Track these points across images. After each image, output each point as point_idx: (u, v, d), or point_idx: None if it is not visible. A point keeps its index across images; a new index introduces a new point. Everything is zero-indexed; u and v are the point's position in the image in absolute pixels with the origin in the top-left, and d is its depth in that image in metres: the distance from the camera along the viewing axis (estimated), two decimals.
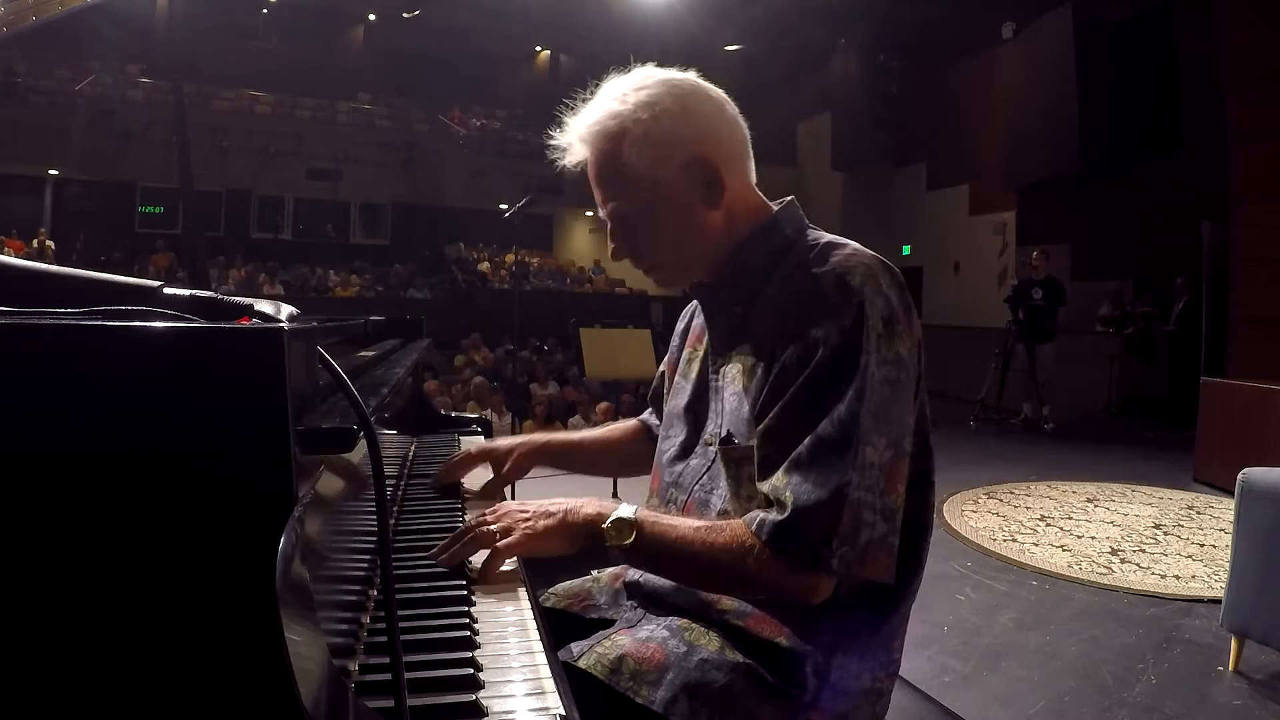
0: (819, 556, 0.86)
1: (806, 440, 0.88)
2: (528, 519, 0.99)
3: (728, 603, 0.98)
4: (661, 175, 0.99)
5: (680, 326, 1.25)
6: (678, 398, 1.15)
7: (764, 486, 0.91)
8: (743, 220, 1.04)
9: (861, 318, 0.89)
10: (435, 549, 0.99)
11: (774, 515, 0.88)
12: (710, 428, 1.06)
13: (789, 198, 1.09)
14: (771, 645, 0.94)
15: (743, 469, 0.98)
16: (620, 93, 1.01)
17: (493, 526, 0.99)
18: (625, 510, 0.96)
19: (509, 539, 0.97)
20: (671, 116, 0.99)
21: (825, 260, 0.96)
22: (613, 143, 0.99)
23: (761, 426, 0.93)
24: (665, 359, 1.28)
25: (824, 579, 0.88)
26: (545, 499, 1.03)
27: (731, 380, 1.02)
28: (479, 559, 0.98)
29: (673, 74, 1.03)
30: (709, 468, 1.05)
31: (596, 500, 1.00)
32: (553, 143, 1.05)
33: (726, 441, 1.00)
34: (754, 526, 0.90)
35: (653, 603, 1.05)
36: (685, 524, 0.96)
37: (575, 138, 1.03)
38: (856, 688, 0.96)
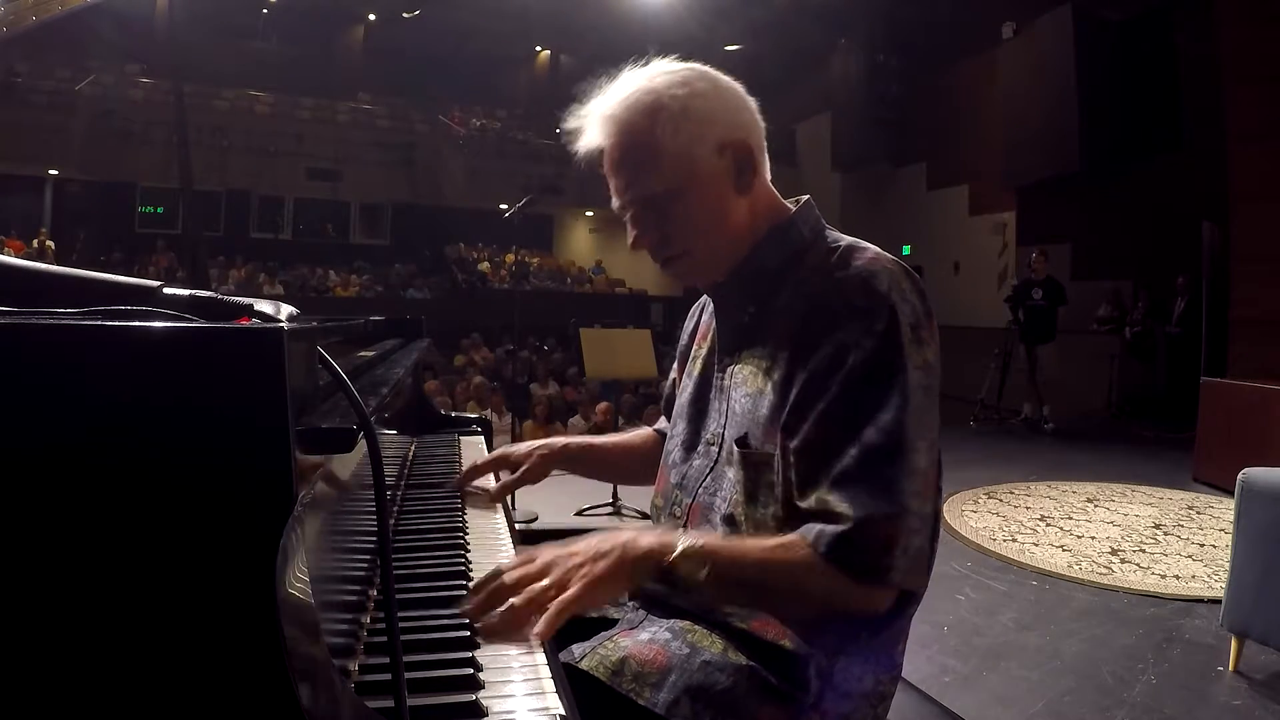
0: (880, 567, 0.84)
1: (852, 450, 0.85)
2: (581, 565, 0.85)
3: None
4: (697, 154, 0.97)
5: (689, 325, 1.22)
6: (682, 395, 1.14)
7: (808, 501, 0.88)
8: (764, 215, 1.02)
9: (894, 322, 0.88)
10: (466, 604, 0.84)
11: (834, 527, 0.85)
12: (712, 426, 1.05)
13: (805, 197, 1.07)
14: (775, 647, 0.93)
15: (761, 475, 0.95)
16: (647, 76, 0.99)
17: (545, 582, 0.84)
18: (690, 540, 0.88)
19: (568, 593, 0.82)
20: (705, 97, 0.98)
21: (848, 264, 0.94)
22: (647, 118, 0.96)
23: (797, 441, 0.90)
24: (676, 362, 1.25)
25: (884, 590, 0.86)
26: (587, 537, 0.89)
27: (743, 381, 1.00)
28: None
29: (694, 64, 1.02)
30: (711, 469, 1.03)
31: (649, 531, 0.92)
32: (567, 128, 1.01)
33: (743, 445, 0.97)
34: (811, 538, 0.86)
35: (655, 604, 1.04)
36: (754, 546, 0.90)
37: (598, 119, 0.99)
38: (859, 690, 0.95)
